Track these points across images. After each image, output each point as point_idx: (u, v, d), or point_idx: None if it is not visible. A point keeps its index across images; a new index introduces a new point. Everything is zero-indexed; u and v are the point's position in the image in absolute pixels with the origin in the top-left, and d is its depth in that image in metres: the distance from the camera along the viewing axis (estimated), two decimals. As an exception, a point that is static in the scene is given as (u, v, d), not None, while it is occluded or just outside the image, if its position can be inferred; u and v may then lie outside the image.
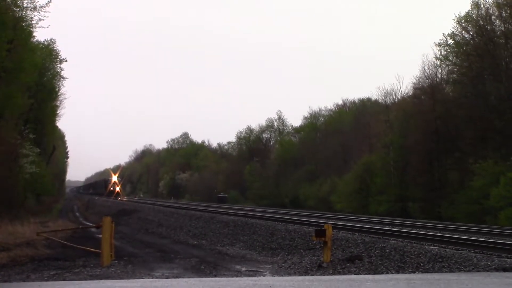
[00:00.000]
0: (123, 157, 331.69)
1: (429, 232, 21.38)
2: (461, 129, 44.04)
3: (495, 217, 35.07)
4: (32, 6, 37.34)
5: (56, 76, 57.27)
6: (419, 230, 22.47)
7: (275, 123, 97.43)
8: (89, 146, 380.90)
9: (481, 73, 42.89)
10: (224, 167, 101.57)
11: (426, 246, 15.67)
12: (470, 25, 44.57)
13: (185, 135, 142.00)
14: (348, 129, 66.68)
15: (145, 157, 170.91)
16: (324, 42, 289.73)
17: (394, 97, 56.87)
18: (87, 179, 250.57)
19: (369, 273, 12.96)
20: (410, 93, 53.89)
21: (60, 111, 65.77)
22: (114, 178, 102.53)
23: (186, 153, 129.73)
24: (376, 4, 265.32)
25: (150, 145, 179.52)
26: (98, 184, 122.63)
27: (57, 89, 59.25)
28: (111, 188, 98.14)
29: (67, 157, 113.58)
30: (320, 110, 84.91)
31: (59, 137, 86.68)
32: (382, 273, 12.98)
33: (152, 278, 12.46)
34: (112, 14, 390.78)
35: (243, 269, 14.89)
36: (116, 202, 67.85)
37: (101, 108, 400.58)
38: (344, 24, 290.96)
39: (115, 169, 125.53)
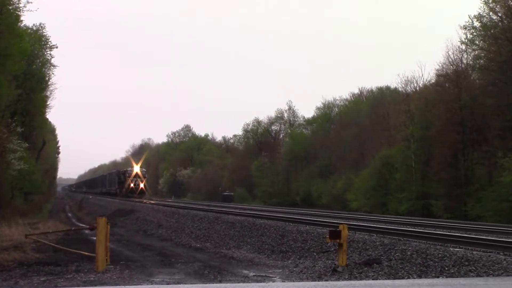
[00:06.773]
0: (120, 152, 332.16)
1: (454, 232, 21.36)
2: (488, 120, 43.84)
3: (526, 216, 34.97)
4: (19, -13, 37.47)
5: (45, 64, 57.47)
6: (443, 231, 22.45)
7: (285, 114, 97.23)
8: (82, 141, 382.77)
9: (511, 58, 42.65)
10: (229, 163, 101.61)
11: (451, 248, 15.66)
12: (498, 6, 44.23)
13: (187, 128, 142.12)
14: (365, 120, 66.59)
15: (143, 152, 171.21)
16: (338, 28, 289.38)
17: (416, 85, 56.70)
18: (80, 176, 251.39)
19: (388, 278, 12.96)
20: (433, 81, 53.76)
21: (50, 102, 66.01)
22: (137, 168, 78.01)
23: (188, 148, 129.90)
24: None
25: (149, 139, 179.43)
26: (107, 179, 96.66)
27: (47, 78, 59.43)
28: (132, 184, 76.26)
29: (58, 153, 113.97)
30: (335, 99, 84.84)
31: (50, 131, 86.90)
32: (403, 278, 12.98)
33: (151, 284, 12.51)
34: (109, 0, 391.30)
35: (251, 274, 14.92)
36: (112, 201, 67.02)
37: (95, 99, 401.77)
38: (361, 8, 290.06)
39: (124, 163, 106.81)
